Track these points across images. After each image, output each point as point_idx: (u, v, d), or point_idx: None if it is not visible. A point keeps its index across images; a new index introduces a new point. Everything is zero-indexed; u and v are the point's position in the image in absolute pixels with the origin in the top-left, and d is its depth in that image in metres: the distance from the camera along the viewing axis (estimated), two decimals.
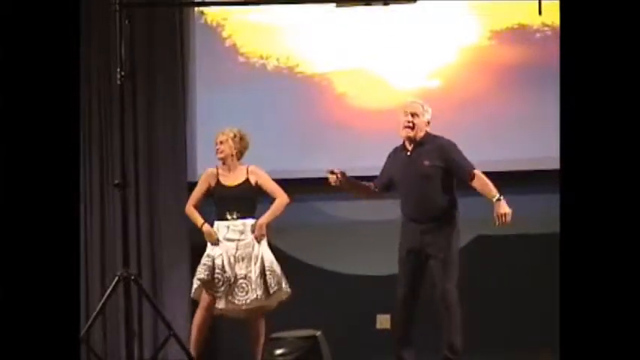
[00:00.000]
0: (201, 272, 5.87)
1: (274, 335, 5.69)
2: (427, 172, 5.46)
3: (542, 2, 5.74)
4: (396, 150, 5.68)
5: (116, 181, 5.80)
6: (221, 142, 5.97)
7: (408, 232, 5.54)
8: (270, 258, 5.91)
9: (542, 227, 6.47)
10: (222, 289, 5.83)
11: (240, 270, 5.84)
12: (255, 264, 5.86)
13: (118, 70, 5.71)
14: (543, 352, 5.79)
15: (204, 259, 5.91)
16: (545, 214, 6.34)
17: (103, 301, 5.75)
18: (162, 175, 6.94)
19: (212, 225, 5.95)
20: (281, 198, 5.99)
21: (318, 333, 5.71)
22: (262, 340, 5.93)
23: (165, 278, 6.93)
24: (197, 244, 6.81)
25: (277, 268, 5.92)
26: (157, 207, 6.95)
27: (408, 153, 5.56)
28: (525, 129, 6.75)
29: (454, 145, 5.56)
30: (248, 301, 5.83)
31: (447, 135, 5.72)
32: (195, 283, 5.90)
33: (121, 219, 5.94)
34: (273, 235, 6.70)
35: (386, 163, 5.72)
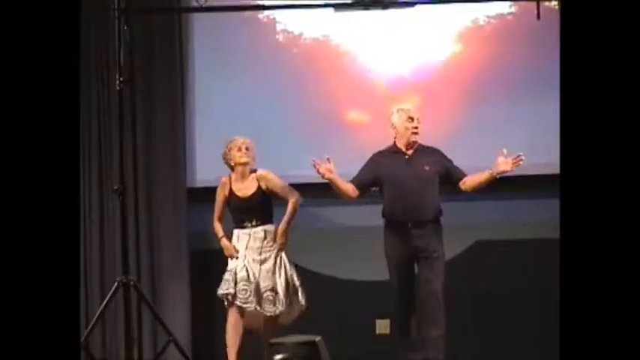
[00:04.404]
0: (222, 288, 5.78)
1: (274, 340, 5.68)
2: (428, 176, 5.57)
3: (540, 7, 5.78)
4: (385, 153, 5.72)
5: (115, 187, 5.82)
6: (247, 148, 5.92)
7: (397, 234, 5.58)
8: (291, 270, 5.89)
9: (539, 232, 6.48)
10: (251, 299, 5.74)
11: (266, 282, 5.78)
12: (280, 276, 5.82)
13: (117, 75, 5.73)
14: (543, 355, 5.80)
15: (226, 275, 5.82)
16: (541, 219, 6.35)
17: (102, 307, 5.77)
18: (162, 181, 6.93)
19: (231, 233, 5.92)
20: (293, 198, 5.93)
21: (318, 338, 5.70)
22: None
23: (165, 284, 6.93)
24: (196, 250, 6.84)
25: (297, 281, 5.89)
26: (157, 213, 6.93)
27: (407, 157, 5.62)
28: (521, 134, 6.74)
29: (442, 152, 5.72)
30: (277, 312, 5.79)
31: (442, 139, 5.77)
32: (224, 298, 5.82)
33: (120, 225, 5.96)
34: None
35: (372, 164, 5.73)
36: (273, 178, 5.95)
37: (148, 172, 6.96)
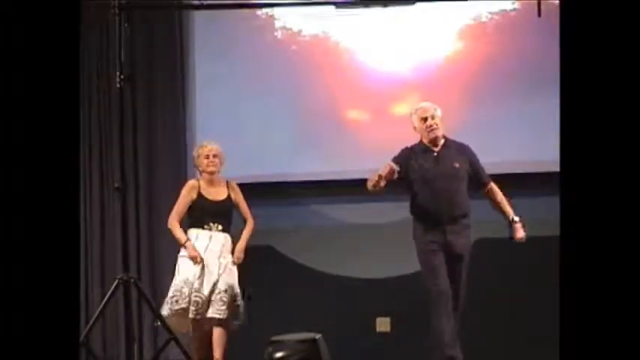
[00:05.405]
0: (177, 303, 5.82)
1: (274, 338, 5.68)
2: (457, 173, 5.54)
3: (542, 4, 5.76)
4: (415, 149, 5.64)
5: (116, 185, 5.81)
6: (215, 156, 5.98)
7: (431, 231, 5.48)
8: (236, 284, 5.92)
9: (541, 230, 6.46)
10: (202, 309, 5.80)
11: (222, 285, 5.82)
12: (233, 283, 5.87)
13: (118, 73, 5.72)
14: (543, 353, 5.79)
15: (177, 286, 5.86)
16: (542, 216, 6.34)
17: (102, 305, 5.74)
18: (162, 178, 6.94)
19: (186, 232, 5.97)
20: (252, 220, 6.05)
21: (318, 336, 5.70)
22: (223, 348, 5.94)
23: (165, 282, 6.91)
24: None
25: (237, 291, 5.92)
26: (157, 210, 6.93)
27: (435, 153, 5.57)
28: (523, 131, 6.75)
29: (472, 150, 5.67)
30: (226, 314, 5.81)
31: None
32: (168, 311, 5.84)
33: (121, 222, 5.95)
34: (272, 238, 6.74)
35: (403, 157, 5.60)
36: (240, 193, 6.06)
37: (149, 170, 6.97)
